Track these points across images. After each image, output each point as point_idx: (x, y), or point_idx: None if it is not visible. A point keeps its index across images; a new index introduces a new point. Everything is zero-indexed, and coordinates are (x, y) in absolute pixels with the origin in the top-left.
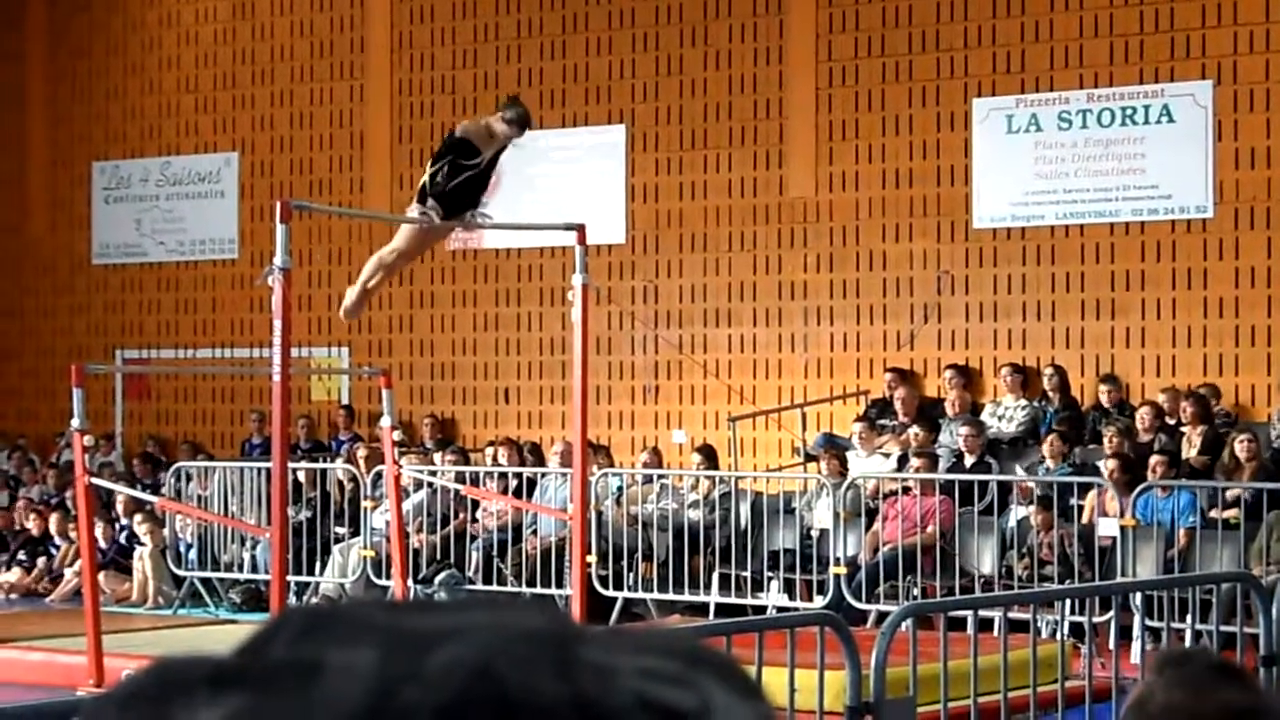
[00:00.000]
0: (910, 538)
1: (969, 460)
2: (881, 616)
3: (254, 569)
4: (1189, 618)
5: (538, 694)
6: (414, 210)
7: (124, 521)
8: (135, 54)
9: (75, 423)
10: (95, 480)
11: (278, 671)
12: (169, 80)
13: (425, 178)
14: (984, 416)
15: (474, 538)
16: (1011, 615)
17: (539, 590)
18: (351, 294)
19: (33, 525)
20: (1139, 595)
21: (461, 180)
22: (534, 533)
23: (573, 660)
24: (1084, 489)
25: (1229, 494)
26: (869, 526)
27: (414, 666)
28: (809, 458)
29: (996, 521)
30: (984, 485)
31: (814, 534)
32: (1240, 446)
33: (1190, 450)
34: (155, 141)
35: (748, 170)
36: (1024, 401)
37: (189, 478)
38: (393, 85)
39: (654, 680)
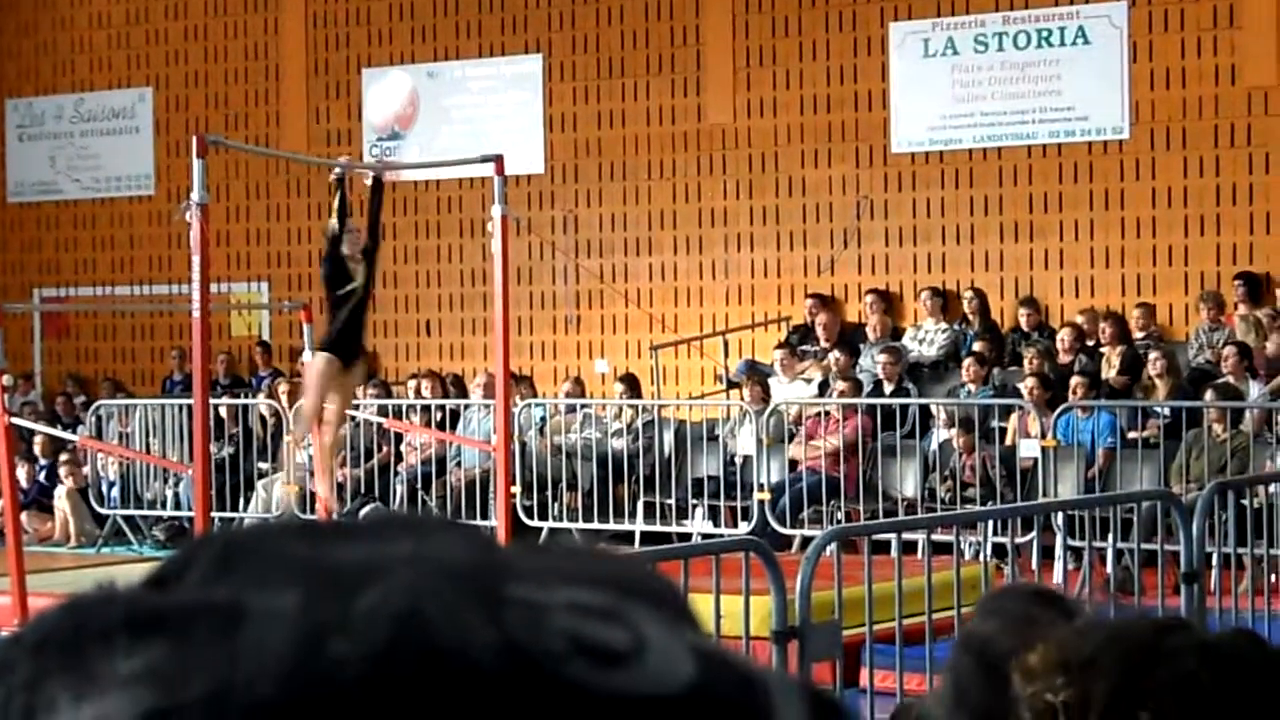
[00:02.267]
0: (833, 458)
1: (888, 387)
2: (806, 541)
3: (177, 506)
4: (1110, 536)
5: (467, 640)
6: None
7: (43, 461)
8: None
9: None
10: (15, 420)
11: (196, 616)
12: (81, 16)
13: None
14: (905, 340)
15: (398, 471)
16: (935, 537)
17: (464, 522)
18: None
19: None
20: (1060, 515)
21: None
22: (458, 464)
23: (501, 600)
24: (1005, 411)
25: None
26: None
27: (338, 612)
28: (731, 385)
29: (918, 445)
30: (905, 409)
31: (737, 461)
32: (1155, 365)
33: (1110, 371)
34: (68, 78)
35: (666, 98)
36: (944, 325)
37: (110, 416)
38: (307, 17)
39: (585, 617)
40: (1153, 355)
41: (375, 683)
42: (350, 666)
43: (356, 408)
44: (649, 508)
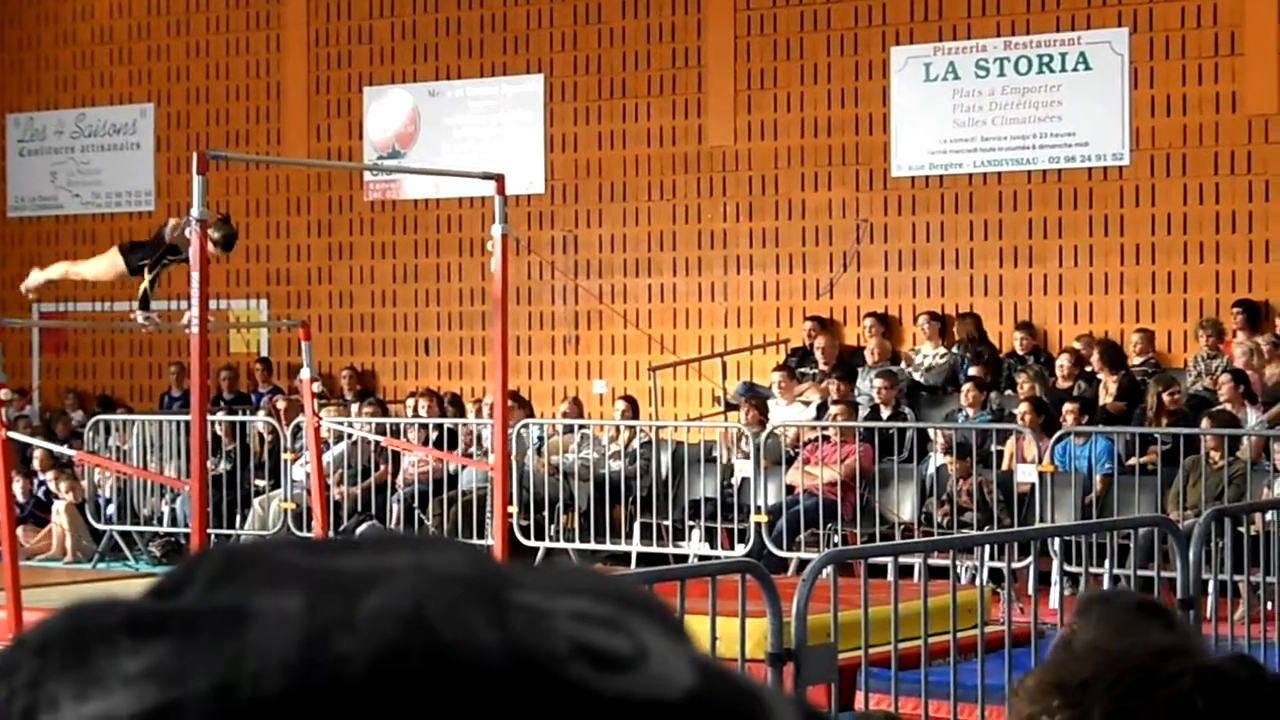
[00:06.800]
0: (831, 484)
1: (885, 412)
2: (802, 564)
3: (174, 522)
4: (1107, 562)
5: (471, 641)
6: (139, 317)
7: (41, 476)
8: (49, 3)
9: None
10: (12, 434)
11: (201, 618)
12: (83, 31)
13: (145, 285)
14: (903, 364)
15: (395, 489)
16: (931, 562)
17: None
18: (36, 278)
19: None
20: (1057, 540)
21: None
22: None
23: (505, 604)
24: (1002, 436)
25: (1146, 440)
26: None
27: (344, 614)
28: (729, 407)
29: (916, 469)
30: (903, 432)
31: (734, 483)
32: (1168, 396)
33: (1107, 396)
34: (70, 93)
35: (666, 119)
36: (942, 349)
37: (108, 431)
38: (309, 35)
39: (588, 624)
40: (1158, 383)
41: (380, 679)
42: (355, 663)
43: (352, 425)
44: (645, 529)
